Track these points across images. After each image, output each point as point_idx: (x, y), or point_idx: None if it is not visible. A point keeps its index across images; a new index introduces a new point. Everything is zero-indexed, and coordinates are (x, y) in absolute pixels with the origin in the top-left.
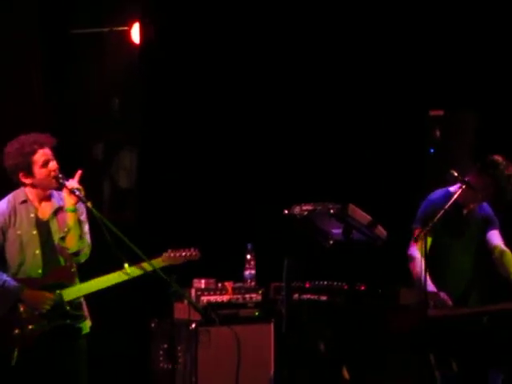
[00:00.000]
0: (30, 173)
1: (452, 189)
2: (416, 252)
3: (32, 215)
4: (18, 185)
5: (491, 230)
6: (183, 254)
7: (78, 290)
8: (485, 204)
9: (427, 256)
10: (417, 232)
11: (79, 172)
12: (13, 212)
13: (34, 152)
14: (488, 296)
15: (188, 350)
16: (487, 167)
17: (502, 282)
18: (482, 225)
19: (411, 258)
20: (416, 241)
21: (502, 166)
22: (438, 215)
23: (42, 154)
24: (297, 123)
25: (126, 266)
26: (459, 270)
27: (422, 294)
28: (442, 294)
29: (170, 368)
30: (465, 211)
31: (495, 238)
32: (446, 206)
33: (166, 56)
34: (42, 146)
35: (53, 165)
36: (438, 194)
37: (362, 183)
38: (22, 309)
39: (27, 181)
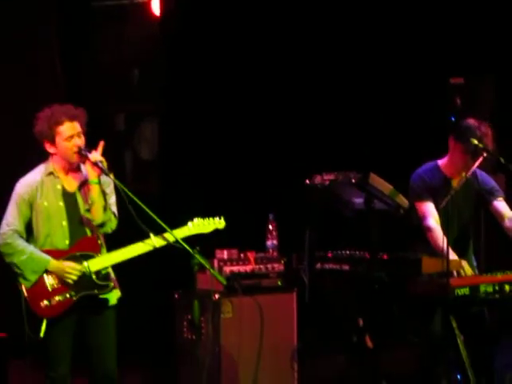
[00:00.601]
0: (53, 143)
1: (440, 162)
2: (433, 222)
3: (58, 187)
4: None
5: (496, 199)
6: (208, 222)
7: (104, 261)
8: (484, 174)
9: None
10: (420, 205)
11: (101, 143)
12: (40, 184)
13: (60, 123)
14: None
15: (211, 321)
16: (460, 134)
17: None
18: (484, 195)
19: (429, 229)
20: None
21: (472, 128)
22: (458, 184)
23: (69, 128)
24: (319, 92)
25: (152, 236)
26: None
27: (444, 263)
28: (464, 263)
29: (194, 338)
30: (463, 178)
31: (502, 206)
32: (468, 174)
33: (185, 27)
34: (71, 119)
35: (77, 141)
36: (425, 167)
37: (382, 152)
38: (49, 280)
39: (51, 150)
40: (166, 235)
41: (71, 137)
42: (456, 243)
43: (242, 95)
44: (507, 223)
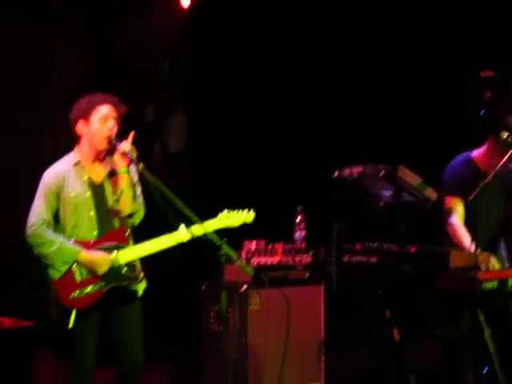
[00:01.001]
0: (87, 121)
1: (474, 153)
2: (455, 219)
3: (85, 177)
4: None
5: None
6: (237, 216)
7: (133, 252)
8: None
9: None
10: (448, 200)
11: (132, 134)
12: (67, 174)
13: (101, 103)
14: None
15: (238, 312)
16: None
17: None
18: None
19: (449, 224)
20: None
21: None
22: (488, 177)
23: (108, 110)
24: (349, 84)
25: (182, 227)
26: (485, 231)
27: (472, 256)
28: (491, 257)
29: (220, 330)
30: (492, 172)
31: None
32: (497, 167)
33: (213, 20)
34: (112, 104)
35: (112, 125)
36: (458, 159)
37: (411, 145)
38: (78, 271)
39: (83, 129)
40: (195, 228)
41: (107, 117)
42: (486, 236)
43: (271, 86)
44: None
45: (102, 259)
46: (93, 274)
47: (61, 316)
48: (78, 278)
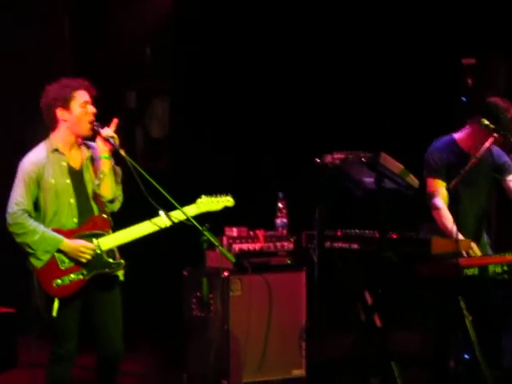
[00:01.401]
0: (67, 107)
1: (456, 135)
2: (440, 202)
3: (64, 164)
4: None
5: (509, 175)
6: (218, 200)
7: (115, 239)
8: (499, 150)
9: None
10: (432, 182)
11: (115, 120)
12: (46, 161)
13: (78, 88)
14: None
15: (220, 298)
16: (487, 111)
17: None
18: (497, 171)
19: (435, 208)
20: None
21: (501, 108)
22: (468, 165)
23: (84, 95)
24: (330, 71)
25: (162, 213)
26: (470, 215)
27: (453, 243)
28: (473, 244)
29: (202, 316)
30: (473, 159)
31: None
32: (478, 155)
33: (197, 5)
34: (86, 89)
35: (91, 109)
36: (442, 141)
37: (394, 132)
38: (61, 259)
39: (63, 116)
40: (176, 213)
41: (87, 102)
42: (469, 222)
43: (253, 73)
44: None
45: (84, 247)
46: (75, 262)
47: (44, 304)
48: (60, 266)
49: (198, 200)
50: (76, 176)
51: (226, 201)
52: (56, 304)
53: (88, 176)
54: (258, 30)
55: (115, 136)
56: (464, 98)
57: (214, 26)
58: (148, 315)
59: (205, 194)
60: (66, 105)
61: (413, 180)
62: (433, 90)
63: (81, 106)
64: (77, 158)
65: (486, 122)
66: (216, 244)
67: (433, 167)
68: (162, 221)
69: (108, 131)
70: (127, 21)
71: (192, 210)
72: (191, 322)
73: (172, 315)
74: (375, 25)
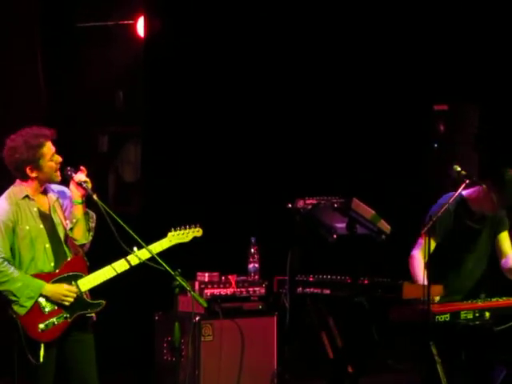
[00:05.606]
0: (37, 166)
1: (464, 192)
2: (417, 252)
3: (35, 209)
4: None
5: (501, 232)
6: (187, 231)
7: (93, 280)
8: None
9: (430, 257)
10: (423, 239)
11: (83, 169)
12: (17, 208)
13: (42, 145)
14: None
15: (191, 343)
16: (501, 184)
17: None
18: (494, 227)
19: (411, 256)
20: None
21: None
22: (441, 211)
23: (49, 147)
24: (301, 117)
25: (136, 249)
26: (470, 279)
27: (425, 289)
28: (443, 290)
29: (174, 360)
30: (446, 205)
31: (505, 242)
32: (450, 201)
33: (170, 50)
34: (47, 139)
35: (57, 157)
36: (447, 197)
37: (365, 178)
38: (43, 303)
39: (33, 174)
40: (150, 248)
41: (53, 154)
42: (470, 285)
43: (224, 119)
44: (503, 263)
45: (67, 290)
46: (57, 305)
47: (29, 350)
48: (43, 311)
49: (169, 233)
50: (47, 220)
51: (196, 231)
52: (42, 349)
53: (57, 219)
54: (226, 79)
55: (88, 180)
56: (436, 144)
57: (186, 71)
58: (119, 359)
59: (174, 228)
60: (35, 165)
61: (384, 225)
62: (405, 135)
63: (49, 160)
64: (44, 201)
65: (458, 169)
66: (188, 289)
67: (435, 226)
68: (135, 257)
69: (81, 176)
70: (99, 65)
71: (164, 244)
72: (162, 367)
73: (143, 359)
74: (347, 69)
